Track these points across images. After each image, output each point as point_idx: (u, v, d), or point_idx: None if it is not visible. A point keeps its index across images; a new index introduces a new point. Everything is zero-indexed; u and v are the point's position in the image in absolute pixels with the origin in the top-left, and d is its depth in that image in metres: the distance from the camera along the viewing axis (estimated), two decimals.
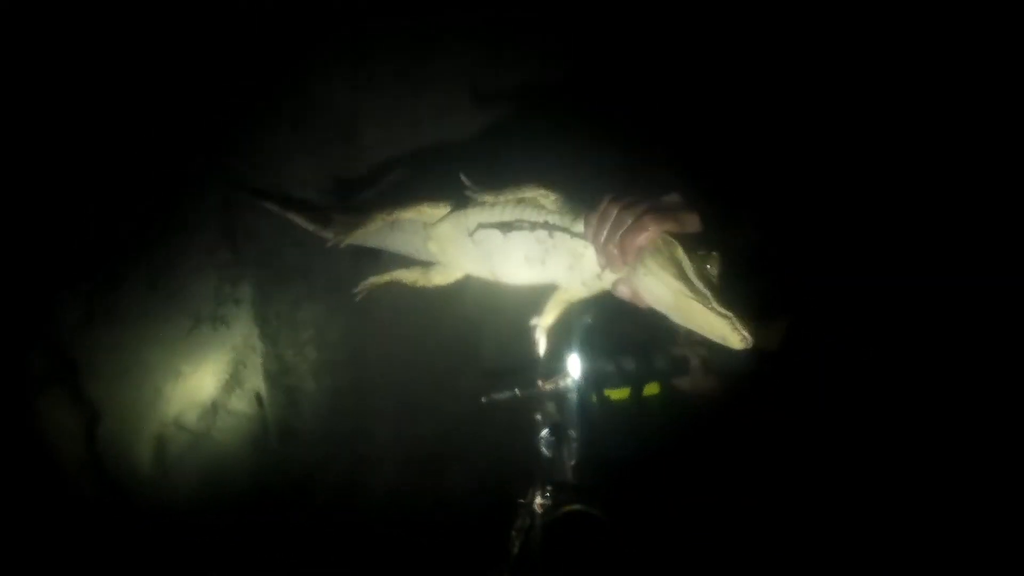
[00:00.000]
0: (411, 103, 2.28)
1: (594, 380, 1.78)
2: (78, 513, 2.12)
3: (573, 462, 1.44)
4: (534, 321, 1.75)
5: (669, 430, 1.85)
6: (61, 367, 2.15)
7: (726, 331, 1.28)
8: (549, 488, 1.28)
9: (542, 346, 1.79)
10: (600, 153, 1.95)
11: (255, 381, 2.26)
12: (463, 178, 1.78)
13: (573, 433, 1.48)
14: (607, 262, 1.40)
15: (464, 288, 2.01)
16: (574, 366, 1.76)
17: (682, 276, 1.30)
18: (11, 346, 2.08)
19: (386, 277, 2.05)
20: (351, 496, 2.25)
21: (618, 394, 1.80)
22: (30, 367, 2.11)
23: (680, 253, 1.28)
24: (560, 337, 1.79)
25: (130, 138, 2.12)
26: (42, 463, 2.11)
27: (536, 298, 1.81)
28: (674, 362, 1.76)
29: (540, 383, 1.77)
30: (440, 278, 1.96)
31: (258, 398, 2.26)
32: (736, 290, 1.45)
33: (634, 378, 1.80)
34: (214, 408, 2.24)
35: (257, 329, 2.26)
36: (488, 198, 1.79)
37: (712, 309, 1.30)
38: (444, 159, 2.20)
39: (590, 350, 1.78)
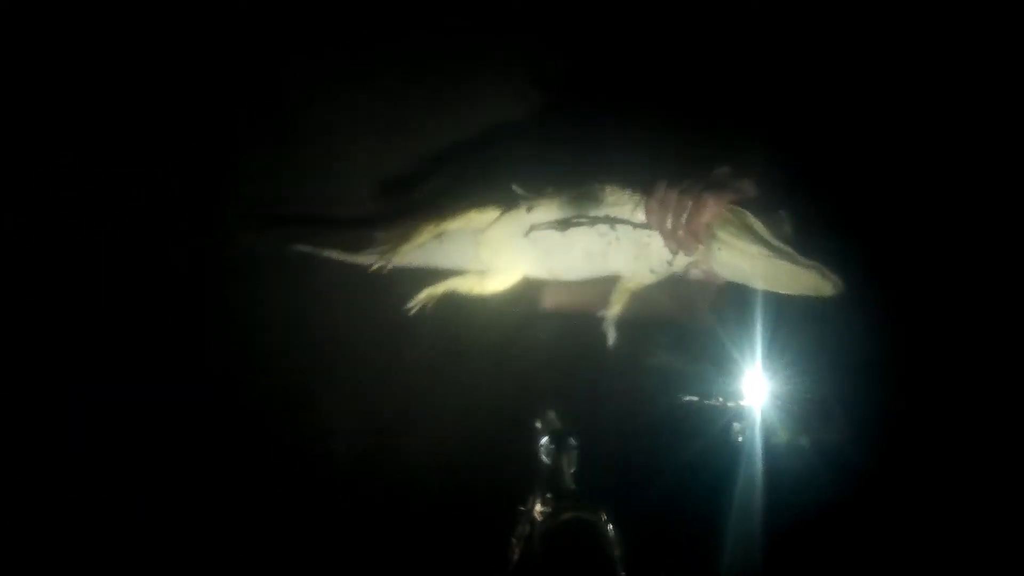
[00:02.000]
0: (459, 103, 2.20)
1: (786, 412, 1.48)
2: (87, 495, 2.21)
3: (573, 469, 1.38)
4: (601, 313, 1.81)
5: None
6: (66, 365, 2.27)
7: (817, 281, 1.30)
8: (549, 495, 1.23)
9: (612, 338, 1.78)
10: (647, 136, 1.96)
11: None
12: (515, 187, 1.75)
13: (573, 441, 1.42)
14: (678, 246, 1.42)
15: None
16: (756, 387, 1.46)
17: (760, 240, 1.43)
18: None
19: (442, 287, 1.95)
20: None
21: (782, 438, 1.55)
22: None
23: (751, 219, 1.36)
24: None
25: (111, 161, 2.11)
26: (47, 462, 2.20)
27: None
28: None
29: (718, 400, 1.51)
30: (496, 284, 1.94)
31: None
32: (813, 241, 1.48)
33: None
34: None
35: None
36: (542, 199, 1.77)
37: (800, 264, 1.33)
38: (481, 160, 2.13)
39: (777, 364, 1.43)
